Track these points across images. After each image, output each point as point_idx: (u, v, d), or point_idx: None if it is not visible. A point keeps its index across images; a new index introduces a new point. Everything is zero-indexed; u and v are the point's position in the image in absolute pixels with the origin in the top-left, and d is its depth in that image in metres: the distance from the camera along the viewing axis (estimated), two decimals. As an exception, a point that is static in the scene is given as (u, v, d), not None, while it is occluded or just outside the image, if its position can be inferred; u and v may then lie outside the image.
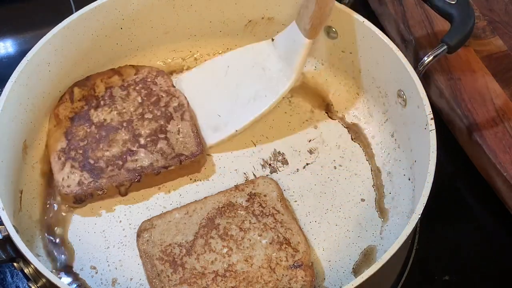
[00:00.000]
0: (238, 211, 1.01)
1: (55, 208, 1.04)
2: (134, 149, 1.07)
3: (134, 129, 1.08)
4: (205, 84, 1.16)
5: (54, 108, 1.10)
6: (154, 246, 0.98)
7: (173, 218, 1.01)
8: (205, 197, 1.03)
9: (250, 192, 1.03)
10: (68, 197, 1.03)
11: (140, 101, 1.11)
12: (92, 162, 1.05)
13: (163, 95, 1.12)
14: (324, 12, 1.06)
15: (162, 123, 1.09)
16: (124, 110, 1.10)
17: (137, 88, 1.13)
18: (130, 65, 1.17)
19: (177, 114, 1.10)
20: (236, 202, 1.02)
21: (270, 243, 0.98)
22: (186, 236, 0.99)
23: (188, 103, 1.12)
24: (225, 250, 0.97)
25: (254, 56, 1.16)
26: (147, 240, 0.99)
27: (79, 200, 1.04)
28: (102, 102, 1.11)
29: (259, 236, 0.99)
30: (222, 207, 1.02)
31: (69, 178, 1.04)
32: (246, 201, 1.02)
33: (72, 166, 1.05)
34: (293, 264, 0.96)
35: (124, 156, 1.06)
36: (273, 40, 1.15)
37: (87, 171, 1.04)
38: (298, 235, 1.00)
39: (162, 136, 1.08)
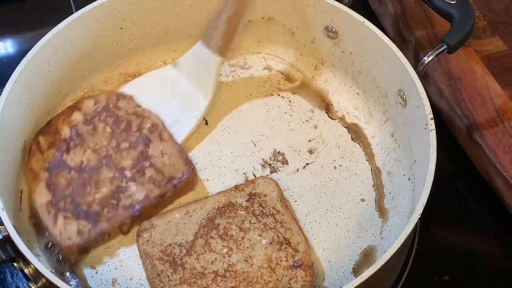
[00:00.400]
0: (238, 211, 1.01)
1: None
2: (124, 184, 1.02)
3: (116, 164, 1.03)
4: None
5: (26, 164, 1.04)
6: (154, 246, 0.98)
7: (173, 218, 1.00)
8: (205, 197, 1.03)
9: (250, 192, 1.03)
10: (72, 249, 0.97)
11: (110, 131, 1.06)
12: (85, 208, 1.00)
13: (133, 118, 1.08)
14: (234, 30, 1.10)
15: (141, 149, 1.05)
16: (97, 146, 1.05)
17: (101, 118, 1.08)
18: (86, 96, 1.12)
19: (154, 135, 1.06)
20: (236, 202, 1.02)
21: (270, 243, 0.98)
22: (186, 236, 0.99)
23: (162, 122, 1.08)
24: (225, 250, 0.97)
25: (160, 82, 1.15)
26: (147, 240, 0.99)
27: (84, 250, 0.98)
28: (71, 144, 1.05)
29: (259, 236, 0.99)
30: (222, 207, 1.01)
31: (67, 230, 0.97)
32: (246, 201, 1.02)
33: (65, 217, 0.99)
34: (293, 264, 0.96)
35: (116, 195, 1.01)
36: (175, 64, 1.15)
37: (83, 218, 0.99)
38: (298, 235, 0.99)
39: (147, 163, 1.04)
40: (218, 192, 1.04)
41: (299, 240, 0.99)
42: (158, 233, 0.99)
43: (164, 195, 1.02)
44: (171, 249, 0.98)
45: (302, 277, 0.96)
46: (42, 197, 1.01)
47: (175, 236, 0.99)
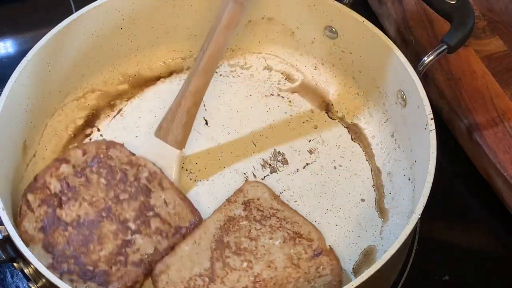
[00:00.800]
0: (241, 223, 0.99)
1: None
2: (129, 238, 0.96)
3: (118, 216, 0.97)
4: None
5: (19, 227, 0.96)
6: (176, 285, 0.94)
7: (184, 252, 0.97)
8: (204, 221, 1.01)
9: (243, 200, 1.02)
10: None
11: (105, 182, 1.00)
12: (91, 268, 0.93)
13: (128, 168, 1.02)
14: (193, 120, 1.08)
15: (142, 199, 0.99)
16: (94, 199, 0.99)
17: (94, 169, 1.01)
18: (73, 147, 1.08)
19: (153, 184, 1.01)
20: (234, 215, 1.00)
21: (284, 242, 0.97)
22: (203, 265, 0.95)
23: (160, 169, 1.03)
24: (245, 264, 0.95)
25: None
26: (167, 283, 0.94)
27: None
28: (64, 198, 0.98)
29: (270, 239, 0.98)
30: (224, 225, 0.99)
31: None
32: (243, 210, 1.01)
33: (72, 280, 0.92)
34: (314, 254, 0.96)
35: (123, 250, 0.95)
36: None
37: (90, 280, 0.92)
38: (305, 225, 0.99)
39: (151, 214, 0.98)
40: (214, 211, 1.02)
41: (309, 229, 0.98)
42: (175, 271, 0.95)
43: (174, 246, 0.97)
44: (194, 283, 0.94)
45: (328, 262, 0.95)
46: (41, 261, 0.90)
47: (192, 268, 0.95)
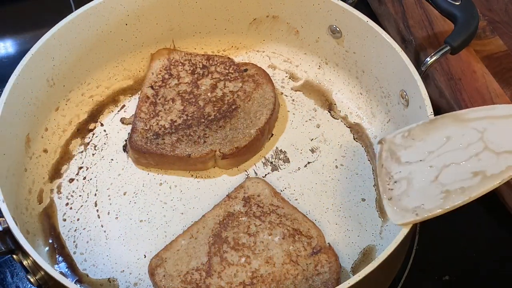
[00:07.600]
0: (240, 219, 0.97)
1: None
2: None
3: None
4: None
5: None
6: (173, 279, 0.92)
7: (181, 246, 0.95)
8: (203, 216, 0.99)
9: (244, 196, 1.00)
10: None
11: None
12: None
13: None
14: None
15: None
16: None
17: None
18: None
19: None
20: (234, 210, 0.98)
21: (283, 238, 0.95)
22: (200, 259, 0.94)
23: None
24: (243, 259, 0.93)
25: None
26: (164, 276, 0.93)
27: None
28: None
29: (269, 235, 0.95)
30: (223, 220, 0.97)
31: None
32: (243, 206, 0.99)
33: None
34: (313, 251, 0.94)
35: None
36: None
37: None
38: (305, 222, 0.97)
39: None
40: (214, 206, 1.00)
41: (309, 226, 0.96)
42: (172, 264, 0.94)
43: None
44: (191, 276, 0.92)
45: (326, 260, 0.93)
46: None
47: (189, 262, 0.94)
